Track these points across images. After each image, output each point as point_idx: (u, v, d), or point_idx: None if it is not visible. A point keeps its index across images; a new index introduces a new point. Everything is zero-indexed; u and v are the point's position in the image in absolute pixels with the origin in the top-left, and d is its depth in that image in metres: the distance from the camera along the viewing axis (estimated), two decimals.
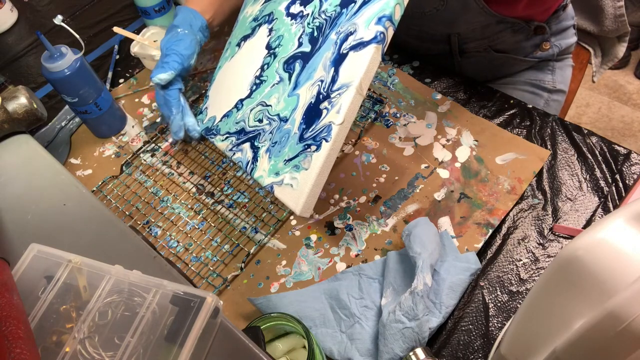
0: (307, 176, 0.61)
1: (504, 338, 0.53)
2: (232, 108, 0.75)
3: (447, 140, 0.82)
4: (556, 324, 0.41)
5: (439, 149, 0.81)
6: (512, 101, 0.86)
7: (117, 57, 1.04)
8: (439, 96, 0.87)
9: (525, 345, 0.47)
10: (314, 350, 0.56)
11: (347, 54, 0.60)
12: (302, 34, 0.67)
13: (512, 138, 0.81)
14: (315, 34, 0.65)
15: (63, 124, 0.94)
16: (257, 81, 0.72)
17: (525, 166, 0.77)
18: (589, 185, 0.75)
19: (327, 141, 0.59)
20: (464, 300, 0.67)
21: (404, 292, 0.63)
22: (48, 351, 0.47)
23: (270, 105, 0.69)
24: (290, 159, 0.63)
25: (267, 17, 0.74)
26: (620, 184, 0.74)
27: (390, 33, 0.59)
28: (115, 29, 0.92)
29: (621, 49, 1.03)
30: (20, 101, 0.67)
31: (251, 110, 0.71)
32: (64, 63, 0.78)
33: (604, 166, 0.77)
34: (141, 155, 0.87)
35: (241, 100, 0.74)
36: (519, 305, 0.66)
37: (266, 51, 0.72)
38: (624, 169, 0.76)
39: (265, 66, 0.71)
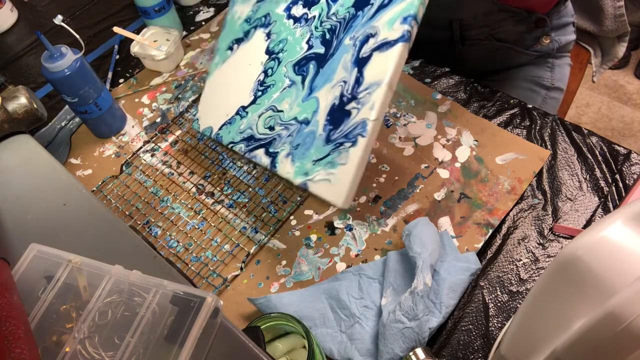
0: (346, 170, 0.63)
1: (504, 338, 0.53)
2: (234, 116, 0.74)
3: (447, 140, 0.82)
4: (556, 324, 0.41)
5: (439, 149, 0.81)
6: (512, 101, 0.86)
7: (117, 57, 1.04)
8: (439, 96, 0.87)
9: (525, 345, 0.47)
10: (314, 350, 0.56)
11: (370, 55, 0.62)
12: (310, 37, 0.67)
13: (512, 138, 0.81)
14: (328, 36, 0.65)
15: (63, 124, 0.94)
16: (261, 87, 0.72)
17: (525, 166, 0.77)
18: (589, 185, 0.75)
19: (363, 137, 0.61)
20: (464, 300, 0.67)
21: (404, 292, 0.63)
22: (48, 351, 0.47)
23: (282, 111, 0.69)
24: (320, 159, 0.64)
25: (262, 20, 0.73)
26: (620, 184, 0.74)
27: (415, 32, 0.61)
28: (115, 29, 0.92)
29: (621, 49, 1.03)
30: (20, 101, 0.67)
31: (259, 117, 0.71)
32: (64, 63, 0.78)
33: (604, 166, 0.77)
34: (141, 155, 0.87)
35: (244, 108, 0.73)
36: (519, 305, 0.66)
37: (267, 56, 0.72)
38: (624, 169, 0.76)
39: (269, 71, 0.71)
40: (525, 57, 0.94)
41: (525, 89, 0.96)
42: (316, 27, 0.67)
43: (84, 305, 0.49)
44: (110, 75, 1.01)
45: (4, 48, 1.11)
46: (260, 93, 0.72)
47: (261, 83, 0.72)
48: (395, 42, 0.60)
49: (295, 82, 0.68)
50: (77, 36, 0.79)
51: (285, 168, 0.68)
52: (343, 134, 0.63)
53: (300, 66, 0.68)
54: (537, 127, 0.82)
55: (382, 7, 0.61)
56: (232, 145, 0.74)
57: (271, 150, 0.70)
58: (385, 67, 0.60)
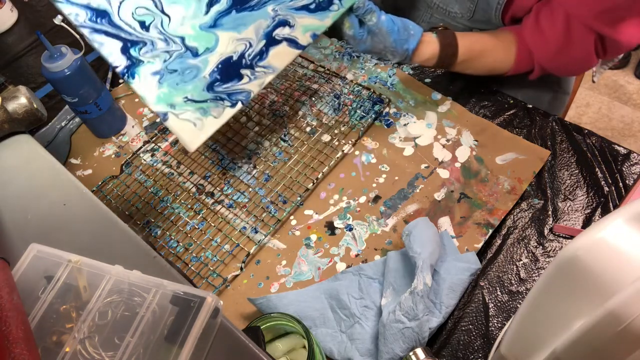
0: (214, 123, 0.64)
1: (504, 338, 0.53)
2: None
3: (447, 140, 0.82)
4: (556, 324, 0.41)
5: (439, 149, 0.81)
6: (512, 101, 0.86)
7: None
8: (439, 96, 0.87)
9: (525, 345, 0.47)
10: (314, 350, 0.56)
11: (281, 41, 0.66)
12: None
13: (512, 138, 0.81)
14: None
15: (63, 124, 0.94)
16: None
17: (525, 166, 0.77)
18: (589, 186, 0.75)
19: (242, 104, 0.65)
20: (464, 300, 0.67)
21: (404, 292, 0.63)
22: (48, 351, 0.47)
23: (169, 17, 0.61)
24: (195, 101, 0.62)
25: None
26: (620, 184, 0.74)
27: None
28: None
29: None
30: (20, 101, 0.67)
31: None
32: (64, 63, 0.78)
33: (604, 166, 0.77)
34: (141, 155, 0.87)
35: None
36: (519, 305, 0.66)
37: None
38: (624, 169, 0.76)
39: None
40: None
41: (533, 92, 0.96)
42: None
43: (84, 305, 0.49)
44: (110, 75, 1.01)
45: (4, 48, 1.11)
46: None
47: None
48: (300, 46, 0.67)
49: None
50: (77, 36, 0.79)
51: (146, 86, 0.60)
52: (227, 92, 0.64)
53: None
54: (537, 127, 0.82)
55: (306, 8, 0.66)
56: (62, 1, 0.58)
57: (133, 53, 0.59)
58: (285, 59, 0.66)
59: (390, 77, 0.91)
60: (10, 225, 0.59)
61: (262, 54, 0.65)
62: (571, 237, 0.71)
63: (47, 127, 0.94)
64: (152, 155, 0.87)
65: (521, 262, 0.70)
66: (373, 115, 0.86)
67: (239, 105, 0.64)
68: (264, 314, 0.60)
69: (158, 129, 0.90)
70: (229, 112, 0.64)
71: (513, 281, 0.68)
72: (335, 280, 0.69)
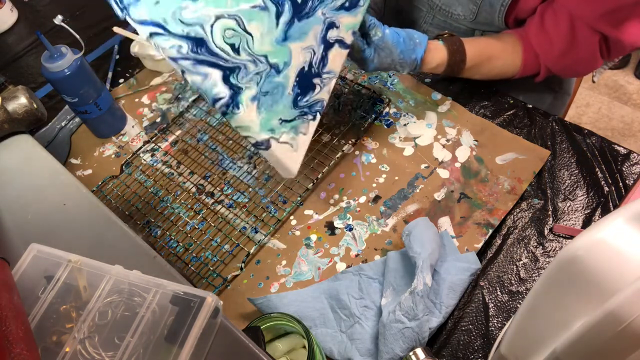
0: (305, 140, 0.63)
1: (504, 338, 0.53)
2: None
3: (447, 140, 0.82)
4: (556, 324, 0.41)
5: (439, 149, 0.81)
6: (512, 101, 0.86)
7: (117, 57, 1.04)
8: (439, 96, 0.87)
9: (525, 345, 0.47)
10: (314, 350, 0.56)
11: (333, 43, 0.65)
12: None
13: (512, 138, 0.81)
14: None
15: (63, 124, 0.94)
16: None
17: (525, 166, 0.77)
18: (589, 186, 0.75)
19: (319, 114, 0.65)
20: (464, 300, 0.67)
21: (404, 292, 0.63)
22: (48, 351, 0.47)
23: (252, 36, 0.57)
24: (288, 121, 0.61)
25: None
26: (620, 184, 0.74)
27: None
28: (115, 29, 0.92)
29: None
30: (20, 101, 0.67)
31: (217, 20, 0.55)
32: (64, 63, 0.78)
33: (604, 166, 0.77)
34: (141, 155, 0.87)
35: None
36: (519, 305, 0.66)
37: None
38: (624, 169, 0.76)
39: None
40: None
41: (534, 92, 0.96)
42: None
43: (84, 305, 0.49)
44: (110, 75, 1.01)
45: (4, 48, 1.11)
46: None
47: None
48: (347, 45, 0.66)
49: (268, 10, 0.58)
50: (77, 36, 0.79)
51: (250, 115, 0.57)
52: (307, 105, 0.63)
53: None
54: (537, 127, 0.82)
55: (343, 7, 0.65)
56: (156, 31, 0.53)
57: (233, 81, 0.56)
58: (339, 61, 0.66)
59: (390, 77, 0.91)
60: (10, 225, 0.59)
61: (323, 59, 0.64)
62: (571, 237, 0.71)
63: (47, 127, 0.94)
64: (152, 155, 0.87)
65: (521, 262, 0.70)
66: (373, 115, 0.86)
67: (318, 117, 0.63)
68: (264, 314, 0.60)
69: (158, 129, 0.90)
70: (313, 126, 0.64)
71: (513, 281, 0.68)
72: (335, 280, 0.69)
